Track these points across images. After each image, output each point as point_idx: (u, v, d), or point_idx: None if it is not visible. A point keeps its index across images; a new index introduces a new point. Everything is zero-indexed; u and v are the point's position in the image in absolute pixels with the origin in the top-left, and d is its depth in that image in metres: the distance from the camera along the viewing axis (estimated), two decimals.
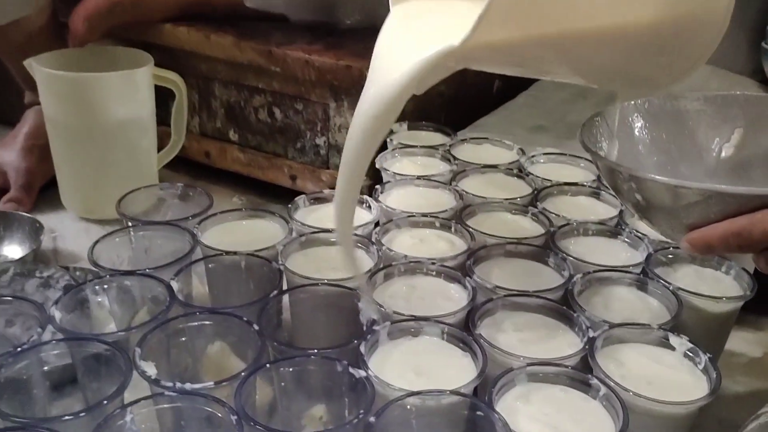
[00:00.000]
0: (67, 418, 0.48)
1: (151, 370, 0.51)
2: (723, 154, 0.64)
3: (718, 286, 0.65)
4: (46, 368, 0.56)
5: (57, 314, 0.57)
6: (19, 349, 0.53)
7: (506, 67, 0.55)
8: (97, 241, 0.66)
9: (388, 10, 0.98)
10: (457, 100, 1.07)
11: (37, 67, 0.85)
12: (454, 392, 0.50)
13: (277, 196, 1.00)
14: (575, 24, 0.45)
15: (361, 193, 0.75)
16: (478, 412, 0.49)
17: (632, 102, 0.65)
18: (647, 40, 0.50)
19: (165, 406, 0.49)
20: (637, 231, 0.71)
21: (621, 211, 0.75)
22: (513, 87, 1.21)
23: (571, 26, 0.44)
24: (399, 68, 0.45)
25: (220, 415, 0.48)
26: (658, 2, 0.48)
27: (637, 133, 0.65)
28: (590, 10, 0.45)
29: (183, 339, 0.57)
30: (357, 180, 0.50)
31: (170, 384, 0.49)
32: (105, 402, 0.48)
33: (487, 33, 0.41)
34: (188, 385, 0.49)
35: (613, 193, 0.71)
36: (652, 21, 0.48)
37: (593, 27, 0.45)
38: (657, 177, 0.51)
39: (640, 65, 0.54)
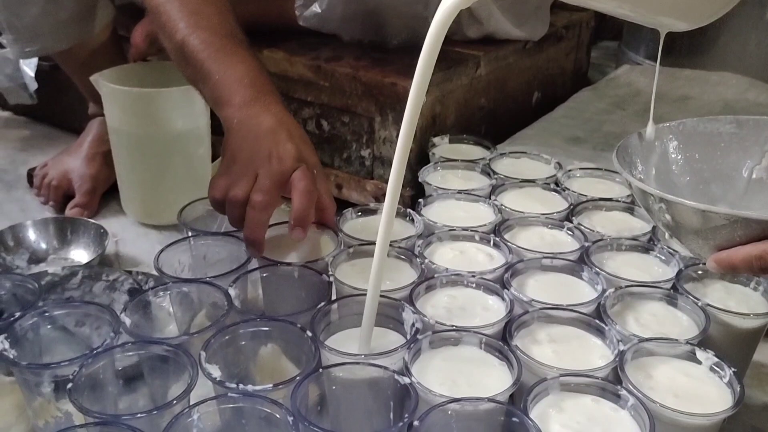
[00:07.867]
0: (140, 415, 0.53)
1: (216, 372, 0.56)
2: (754, 175, 0.66)
3: (747, 302, 0.68)
4: (117, 366, 0.61)
5: (127, 319, 0.62)
6: (95, 351, 0.58)
7: None
8: (162, 250, 0.71)
9: None
10: (497, 112, 1.10)
11: (103, 83, 0.91)
12: (491, 399, 0.54)
13: None
14: None
15: (405, 206, 0.80)
16: (514, 419, 0.53)
17: (666, 124, 0.68)
18: None
19: (227, 406, 0.54)
20: (669, 247, 0.74)
21: (654, 227, 0.78)
22: (552, 99, 1.24)
23: None
24: None
25: (277, 415, 0.53)
26: None
27: (671, 153, 0.67)
28: None
29: (241, 343, 0.62)
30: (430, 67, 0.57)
31: (233, 386, 0.54)
32: (174, 402, 0.53)
33: None
34: (250, 387, 0.54)
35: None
36: None
37: None
38: (686, 201, 0.54)
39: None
